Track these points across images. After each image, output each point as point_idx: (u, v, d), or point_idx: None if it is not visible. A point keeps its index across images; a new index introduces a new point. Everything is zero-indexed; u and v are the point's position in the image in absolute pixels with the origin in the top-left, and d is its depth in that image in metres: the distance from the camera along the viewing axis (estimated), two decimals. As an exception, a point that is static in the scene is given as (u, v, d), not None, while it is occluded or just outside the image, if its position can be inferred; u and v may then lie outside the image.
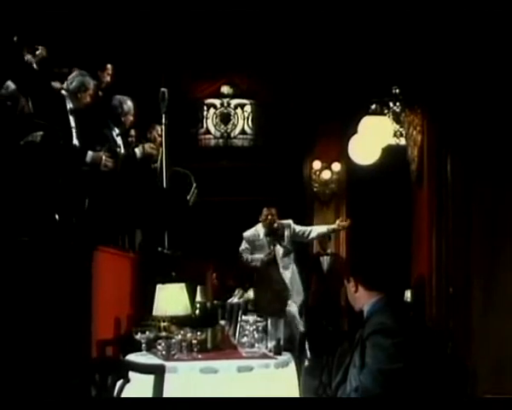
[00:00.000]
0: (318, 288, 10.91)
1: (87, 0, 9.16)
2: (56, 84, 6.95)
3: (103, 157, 6.63)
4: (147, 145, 7.67)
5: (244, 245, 8.57)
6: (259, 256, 8.43)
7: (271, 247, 8.41)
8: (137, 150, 7.56)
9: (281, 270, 8.45)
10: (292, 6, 9.83)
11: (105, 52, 9.18)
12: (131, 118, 7.48)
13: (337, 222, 8.80)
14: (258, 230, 8.55)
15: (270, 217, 8.42)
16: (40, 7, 7.72)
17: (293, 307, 8.44)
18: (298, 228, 8.60)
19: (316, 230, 8.81)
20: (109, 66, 8.05)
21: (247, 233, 8.59)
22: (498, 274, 6.74)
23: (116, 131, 7.35)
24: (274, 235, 8.45)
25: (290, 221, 8.56)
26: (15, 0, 6.95)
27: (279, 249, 8.44)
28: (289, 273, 8.50)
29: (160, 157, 7.63)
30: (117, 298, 6.40)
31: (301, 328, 8.41)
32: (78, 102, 6.76)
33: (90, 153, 6.60)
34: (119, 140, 7.36)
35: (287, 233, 8.47)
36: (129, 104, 7.47)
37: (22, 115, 6.16)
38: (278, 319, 8.25)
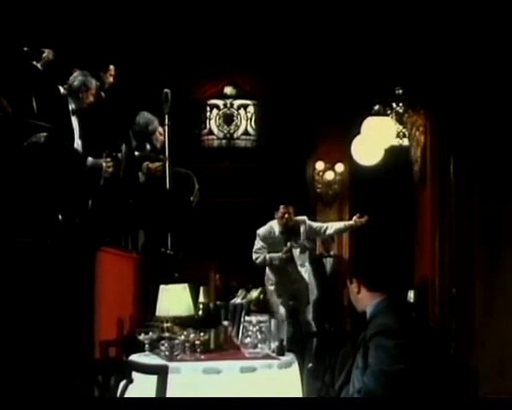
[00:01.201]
0: (321, 289, 10.88)
1: (89, 1, 9.17)
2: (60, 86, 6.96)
3: (104, 164, 6.60)
4: (151, 166, 7.63)
5: (259, 244, 8.36)
6: (278, 255, 8.27)
7: (288, 244, 8.26)
8: (140, 174, 7.51)
9: (299, 268, 8.33)
10: (294, 6, 9.83)
11: (108, 53, 9.19)
12: (159, 136, 7.50)
13: (354, 218, 8.59)
14: (273, 226, 8.34)
15: (287, 215, 8.24)
16: (43, 9, 7.74)
17: (308, 315, 8.42)
18: (314, 224, 8.47)
19: (333, 226, 8.60)
20: (111, 67, 8.05)
21: (262, 230, 8.37)
22: (501, 275, 6.74)
23: (133, 143, 7.36)
24: (290, 232, 8.29)
25: (305, 217, 8.41)
26: (20, 2, 6.96)
27: (296, 247, 8.32)
28: (306, 271, 8.42)
29: (167, 173, 7.65)
30: (120, 299, 6.40)
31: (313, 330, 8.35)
32: (80, 102, 6.76)
33: (89, 159, 6.57)
34: (135, 153, 7.37)
35: (302, 230, 8.32)
36: (155, 125, 7.50)
37: (6, 117, 6.13)
38: (282, 319, 8.22)
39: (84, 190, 6.48)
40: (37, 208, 5.98)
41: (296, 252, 8.30)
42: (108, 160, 6.62)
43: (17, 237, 5.72)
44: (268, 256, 8.31)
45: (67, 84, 6.79)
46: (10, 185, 5.93)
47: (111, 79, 8.02)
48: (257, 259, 8.37)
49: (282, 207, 8.28)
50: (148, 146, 7.71)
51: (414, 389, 3.46)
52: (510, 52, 6.57)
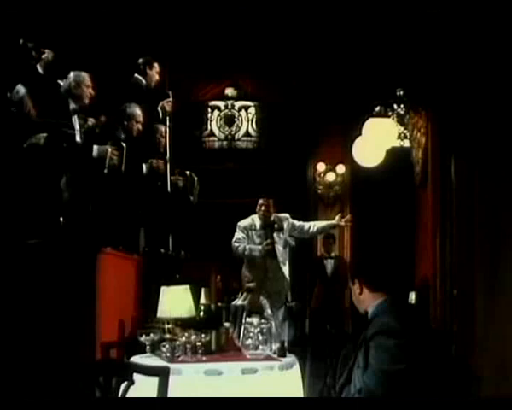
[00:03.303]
0: (322, 290, 10.89)
1: (88, 3, 9.19)
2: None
3: (109, 150, 6.61)
4: (154, 161, 7.63)
5: (239, 235, 8.26)
6: (257, 247, 8.17)
7: (268, 239, 8.15)
8: (144, 166, 7.52)
9: (280, 264, 8.22)
10: (295, 8, 9.84)
11: (109, 54, 9.20)
12: (137, 125, 7.43)
13: (336, 218, 8.60)
14: (255, 220, 8.26)
15: (263, 208, 8.18)
16: (44, 9, 7.75)
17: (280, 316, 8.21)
18: (297, 223, 8.33)
19: (316, 225, 8.55)
20: (156, 64, 8.10)
21: (242, 222, 8.29)
22: (502, 276, 6.73)
23: (124, 135, 7.36)
24: (272, 227, 8.19)
25: (287, 215, 8.30)
26: (21, 2, 6.98)
27: (279, 243, 8.20)
28: (287, 270, 8.27)
29: (168, 174, 7.66)
30: (121, 300, 6.41)
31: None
32: (78, 99, 6.77)
33: (95, 147, 6.60)
34: (123, 144, 7.36)
35: (285, 226, 8.23)
36: (134, 110, 7.46)
37: (28, 119, 6.19)
38: (283, 321, 8.20)
39: (85, 191, 6.48)
40: (38, 210, 5.98)
41: (279, 248, 8.19)
42: (113, 147, 6.65)
43: (19, 239, 5.73)
44: (248, 248, 8.19)
45: (63, 86, 6.81)
46: (11, 186, 5.94)
47: (157, 77, 8.08)
48: (236, 249, 8.22)
49: (260, 200, 8.23)
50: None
51: (415, 389, 3.46)
52: (511, 53, 6.57)
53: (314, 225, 8.53)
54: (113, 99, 7.50)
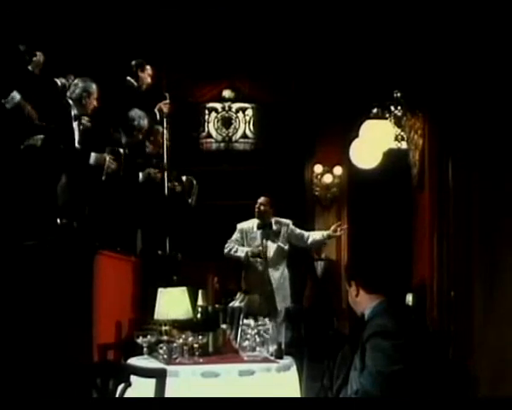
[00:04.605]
0: (313, 292, 10.89)
1: (85, 5, 9.19)
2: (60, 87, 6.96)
3: (107, 158, 6.63)
4: (152, 170, 7.63)
5: (236, 235, 8.17)
6: (244, 249, 8.05)
7: (263, 241, 8.05)
8: (141, 175, 7.52)
9: (269, 269, 8.08)
10: (294, 10, 9.85)
11: (106, 55, 9.20)
12: (141, 136, 7.51)
13: (332, 228, 8.45)
14: (254, 223, 8.16)
15: (256, 205, 8.10)
16: (42, 11, 7.74)
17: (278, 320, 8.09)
18: (297, 230, 8.20)
19: (312, 235, 8.39)
20: (148, 66, 8.10)
21: (242, 224, 8.19)
22: (500, 278, 6.74)
23: (124, 140, 7.36)
24: (268, 229, 8.09)
25: (289, 221, 8.24)
26: (16, 5, 6.97)
27: (271, 247, 8.07)
28: (278, 275, 8.11)
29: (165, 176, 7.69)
30: (118, 302, 6.41)
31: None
32: (83, 108, 6.76)
33: (93, 154, 6.60)
34: (122, 149, 7.37)
35: (283, 232, 8.11)
36: (145, 122, 7.50)
37: (30, 122, 6.20)
38: (280, 322, 8.18)
39: (82, 193, 6.48)
40: (35, 212, 5.98)
41: (271, 252, 8.09)
42: (111, 156, 6.67)
43: (16, 241, 5.72)
44: (235, 247, 8.07)
45: (69, 93, 6.79)
46: (8, 188, 5.94)
47: (149, 79, 8.07)
48: (229, 250, 8.12)
49: (259, 199, 8.18)
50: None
51: (411, 390, 3.46)
52: (508, 56, 6.57)
53: (311, 236, 8.37)
54: (107, 102, 7.49)
